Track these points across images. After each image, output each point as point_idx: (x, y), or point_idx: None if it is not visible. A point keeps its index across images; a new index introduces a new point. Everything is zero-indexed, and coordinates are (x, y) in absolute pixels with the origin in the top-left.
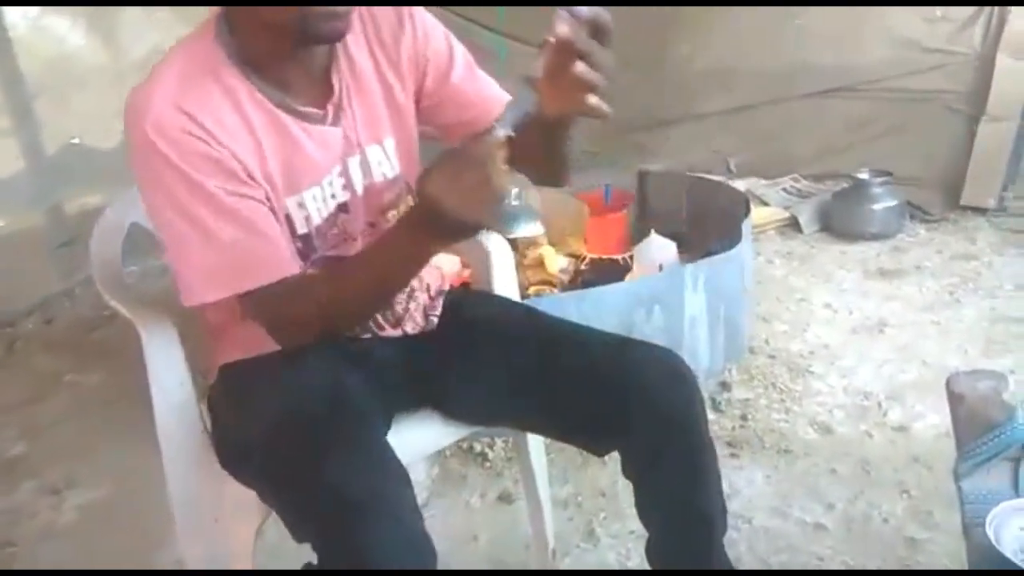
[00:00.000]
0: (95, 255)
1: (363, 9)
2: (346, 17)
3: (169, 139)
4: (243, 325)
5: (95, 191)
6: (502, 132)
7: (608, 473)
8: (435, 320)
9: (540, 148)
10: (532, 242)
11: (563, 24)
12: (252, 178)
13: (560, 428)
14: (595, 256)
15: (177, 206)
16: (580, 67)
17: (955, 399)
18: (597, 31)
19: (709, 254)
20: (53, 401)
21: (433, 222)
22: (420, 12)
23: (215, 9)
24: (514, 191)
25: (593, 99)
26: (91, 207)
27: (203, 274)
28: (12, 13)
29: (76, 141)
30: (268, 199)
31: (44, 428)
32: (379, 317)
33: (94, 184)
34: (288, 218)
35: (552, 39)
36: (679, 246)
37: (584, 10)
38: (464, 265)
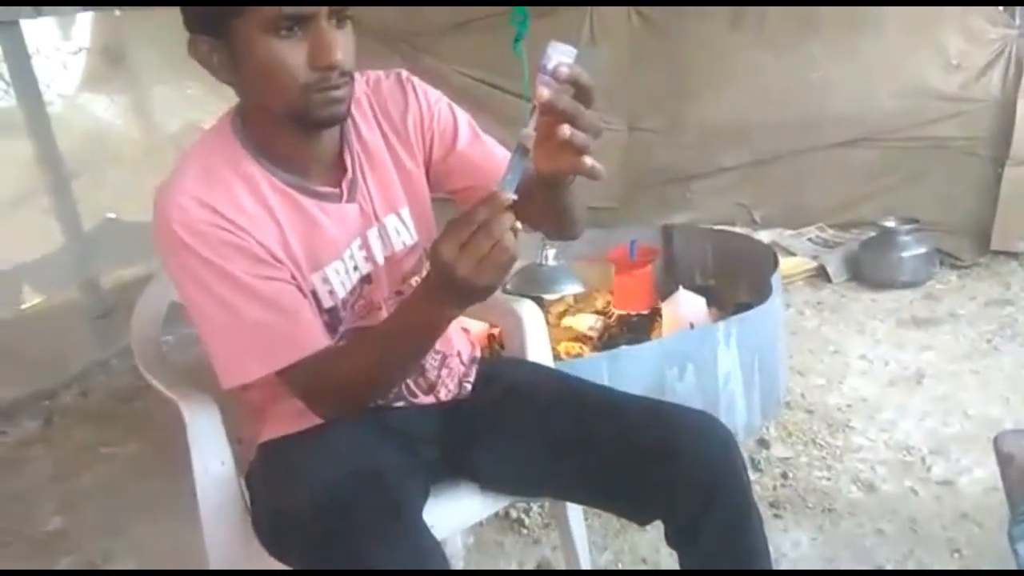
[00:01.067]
0: (135, 336)
1: (369, 89)
2: (345, 101)
3: (195, 232)
4: (282, 402)
5: (131, 264)
6: (505, 194)
7: (648, 539)
8: (468, 387)
9: (543, 206)
10: (559, 302)
11: (544, 88)
12: (277, 259)
13: (600, 497)
14: (623, 312)
15: (208, 294)
16: (565, 130)
17: (1004, 459)
18: (579, 92)
19: (738, 307)
20: (90, 474)
21: (448, 289)
22: (422, 86)
23: (231, 104)
24: (551, 252)
25: (587, 160)
26: (127, 279)
27: (238, 356)
28: (49, 92)
29: (112, 216)
30: (294, 277)
31: (81, 501)
32: (412, 384)
33: (130, 257)
34: (314, 294)
35: (535, 103)
36: (707, 300)
37: (564, 71)
38: (492, 326)
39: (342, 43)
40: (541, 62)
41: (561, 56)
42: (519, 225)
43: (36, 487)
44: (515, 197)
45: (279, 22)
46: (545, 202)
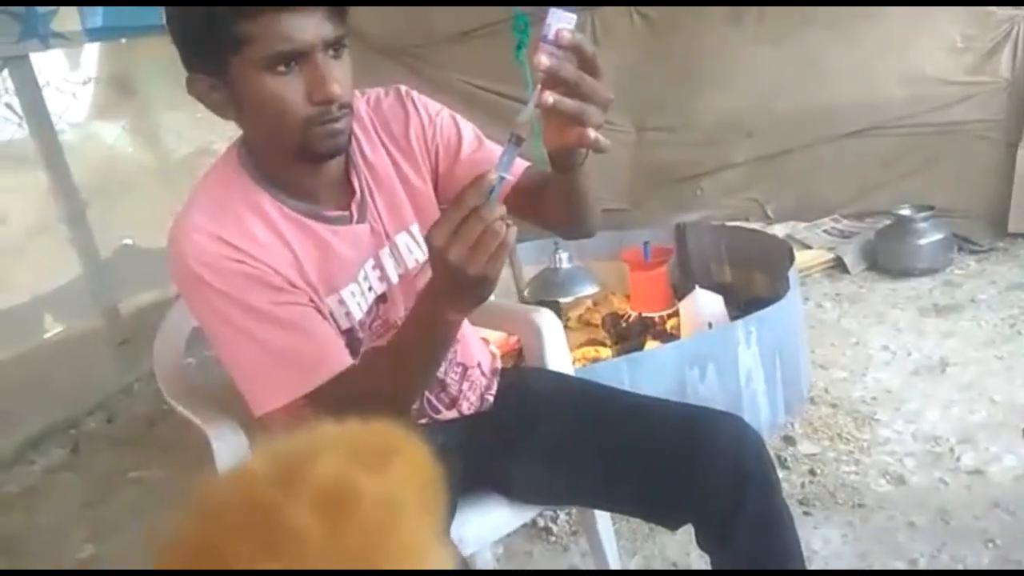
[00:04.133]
0: (159, 364)
1: (370, 108)
2: (345, 132)
3: (211, 267)
4: (309, 423)
5: (149, 288)
6: (495, 175)
7: (677, 542)
8: (491, 400)
9: (557, 194)
10: (578, 304)
11: (544, 56)
12: (293, 285)
13: (630, 503)
14: (639, 314)
15: (231, 326)
16: (567, 101)
17: None
18: (583, 61)
19: (756, 303)
20: (119, 500)
21: (444, 282)
22: (422, 99)
23: (235, 136)
24: (564, 255)
25: (590, 132)
26: (146, 304)
27: (266, 383)
28: (61, 123)
29: (128, 242)
30: (311, 301)
31: (112, 528)
32: (434, 400)
33: (148, 282)
34: (331, 316)
35: (540, 73)
36: (724, 297)
37: (566, 36)
38: (509, 334)
39: (339, 75)
40: (542, 32)
41: (561, 23)
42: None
43: (67, 515)
44: (509, 177)
45: (276, 59)
46: (559, 190)
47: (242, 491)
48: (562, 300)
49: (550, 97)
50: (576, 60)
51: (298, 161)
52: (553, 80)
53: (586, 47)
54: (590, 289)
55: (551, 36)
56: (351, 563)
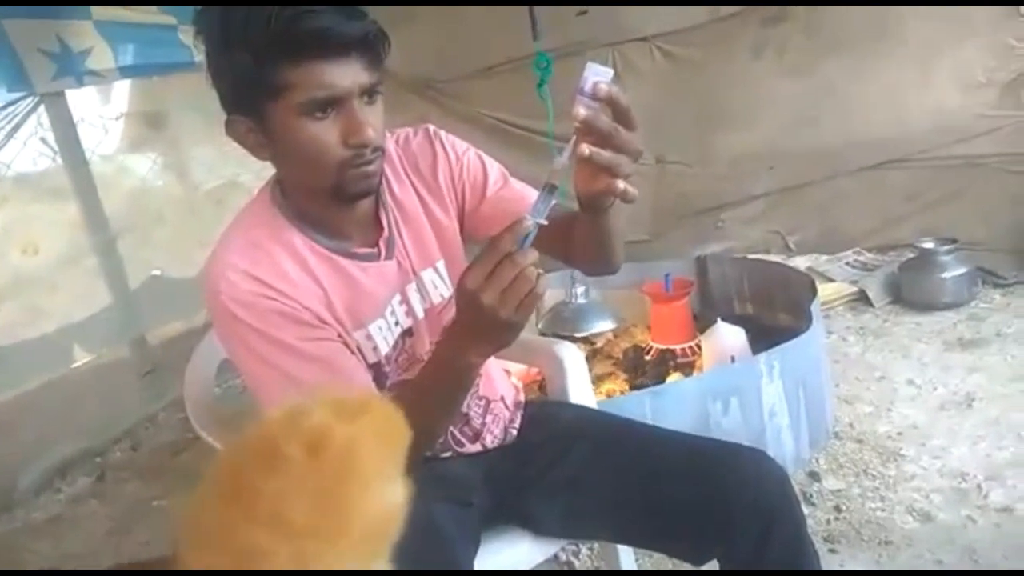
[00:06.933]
0: (189, 398)
1: (399, 147)
2: (377, 175)
3: (244, 304)
4: None
5: (176, 319)
6: (531, 221)
7: None
8: (514, 433)
9: (584, 233)
10: (598, 337)
11: (581, 108)
12: (323, 321)
13: (654, 538)
14: (661, 346)
15: (262, 361)
16: (598, 152)
17: None
18: (618, 113)
19: (778, 336)
20: (144, 528)
21: (472, 323)
22: (450, 139)
23: (261, 170)
24: (580, 289)
25: (619, 183)
26: (173, 334)
27: None
28: (93, 156)
29: (157, 273)
30: (340, 336)
31: (137, 556)
32: (458, 433)
33: (175, 312)
34: (358, 350)
35: (576, 124)
36: (746, 330)
37: (603, 88)
38: (530, 367)
39: (373, 120)
40: (579, 84)
41: (597, 76)
42: (540, 271)
43: (92, 542)
44: (544, 222)
45: (314, 105)
46: (586, 229)
47: (260, 430)
48: (576, 335)
49: (586, 149)
50: (611, 112)
51: (331, 201)
52: (588, 131)
53: (621, 100)
54: (604, 325)
55: (588, 89)
56: (322, 484)
